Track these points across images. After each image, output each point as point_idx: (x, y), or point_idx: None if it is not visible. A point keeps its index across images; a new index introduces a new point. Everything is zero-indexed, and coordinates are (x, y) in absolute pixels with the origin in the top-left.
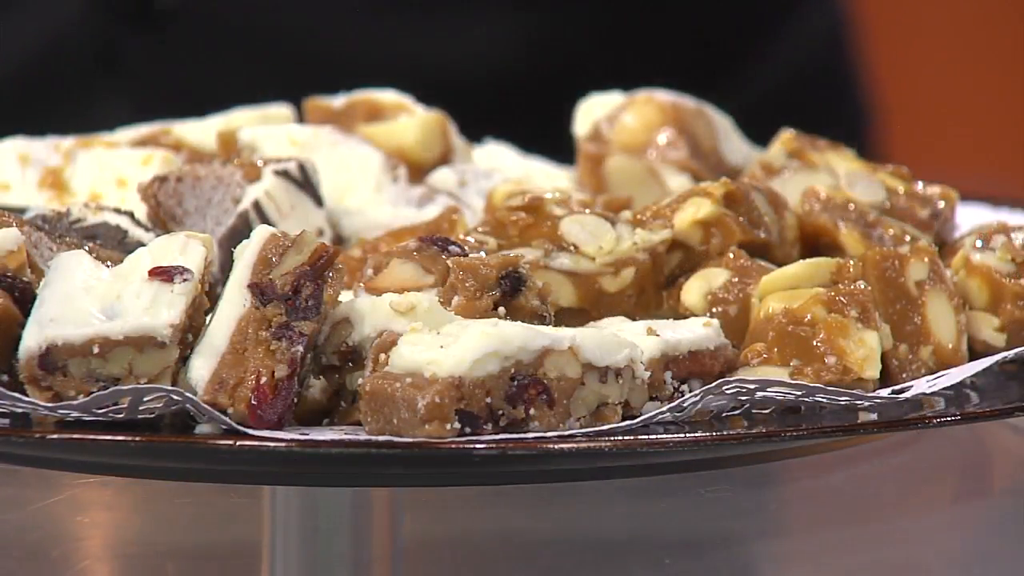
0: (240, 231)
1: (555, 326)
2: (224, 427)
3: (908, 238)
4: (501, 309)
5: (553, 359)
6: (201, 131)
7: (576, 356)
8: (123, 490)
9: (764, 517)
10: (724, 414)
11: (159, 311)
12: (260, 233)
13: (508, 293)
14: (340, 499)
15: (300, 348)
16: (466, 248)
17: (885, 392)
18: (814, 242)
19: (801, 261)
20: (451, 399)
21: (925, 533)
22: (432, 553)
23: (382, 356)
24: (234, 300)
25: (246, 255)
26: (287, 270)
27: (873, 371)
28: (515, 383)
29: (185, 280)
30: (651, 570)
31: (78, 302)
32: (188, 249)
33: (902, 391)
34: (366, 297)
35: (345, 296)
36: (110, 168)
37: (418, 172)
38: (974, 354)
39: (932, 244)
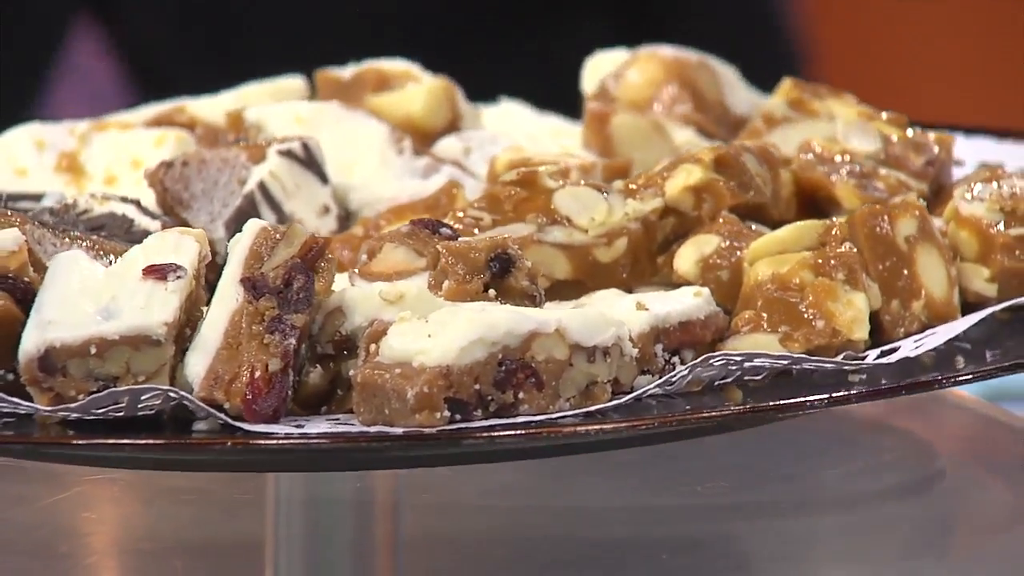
0: (246, 212)
1: (551, 300)
2: (221, 423)
3: (904, 189)
4: (492, 291)
5: (540, 342)
6: (215, 107)
7: (563, 338)
8: (130, 486)
9: (762, 514)
10: (716, 383)
11: (153, 310)
12: (251, 228)
13: (498, 274)
14: (343, 496)
15: (293, 341)
16: (456, 230)
17: (872, 355)
18: (811, 196)
19: (788, 225)
20: (440, 388)
21: (924, 525)
22: (434, 548)
23: (372, 346)
24: (227, 296)
25: (238, 250)
26: (278, 263)
27: (862, 332)
28: (503, 368)
29: (179, 277)
30: (649, 567)
31: (75, 304)
32: (181, 246)
33: (891, 351)
34: (357, 286)
35: (341, 280)
36: (125, 150)
37: (427, 140)
38: (967, 306)
39: (928, 192)
